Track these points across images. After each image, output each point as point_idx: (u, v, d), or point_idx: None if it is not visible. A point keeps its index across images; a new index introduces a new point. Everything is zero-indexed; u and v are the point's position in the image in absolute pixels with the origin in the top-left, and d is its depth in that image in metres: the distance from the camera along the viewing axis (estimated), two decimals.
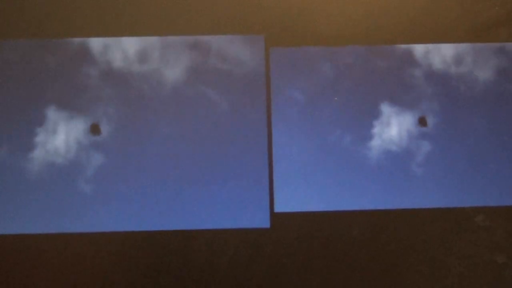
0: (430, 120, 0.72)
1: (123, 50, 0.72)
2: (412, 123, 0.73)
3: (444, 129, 0.73)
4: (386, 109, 0.73)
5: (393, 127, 0.73)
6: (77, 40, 0.73)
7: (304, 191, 0.71)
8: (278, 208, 0.71)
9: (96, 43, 0.72)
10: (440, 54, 0.73)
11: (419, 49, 0.73)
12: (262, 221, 0.71)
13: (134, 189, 0.71)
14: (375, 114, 0.73)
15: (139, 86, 0.72)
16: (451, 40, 0.73)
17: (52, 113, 0.71)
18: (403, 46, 0.73)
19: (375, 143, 0.72)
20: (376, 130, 0.72)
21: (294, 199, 0.71)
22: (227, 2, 0.74)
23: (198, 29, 0.73)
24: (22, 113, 0.71)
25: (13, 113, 0.71)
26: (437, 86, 0.73)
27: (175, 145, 0.72)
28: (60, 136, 0.71)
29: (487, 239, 0.71)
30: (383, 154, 0.72)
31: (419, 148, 0.72)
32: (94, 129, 0.70)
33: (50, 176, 0.70)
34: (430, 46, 0.73)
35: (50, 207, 0.70)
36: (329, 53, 0.73)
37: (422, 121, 0.72)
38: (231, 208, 0.71)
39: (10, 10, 0.72)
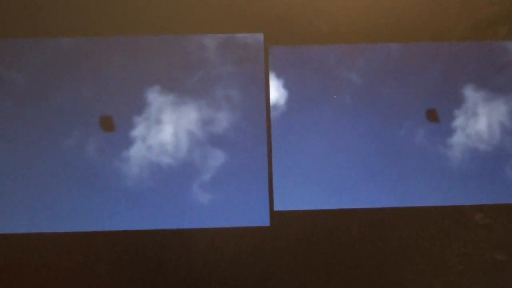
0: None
1: None
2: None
3: (443, 126, 0.73)
4: (386, 108, 0.73)
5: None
6: None
7: (304, 189, 0.71)
8: (277, 207, 0.71)
9: None
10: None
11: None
12: (262, 219, 0.70)
13: (136, 188, 0.71)
14: (368, 115, 0.73)
15: None
16: (449, 39, 0.73)
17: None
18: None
19: (374, 141, 0.72)
20: (359, 128, 0.72)
21: (293, 197, 0.71)
22: (226, 0, 0.74)
23: (197, 28, 0.73)
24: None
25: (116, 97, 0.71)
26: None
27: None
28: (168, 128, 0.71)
29: (486, 237, 0.71)
30: (382, 151, 0.72)
31: (417, 146, 0.72)
32: (105, 122, 0.69)
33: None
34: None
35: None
36: (328, 51, 0.73)
37: (431, 115, 0.71)
38: (231, 207, 0.70)
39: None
